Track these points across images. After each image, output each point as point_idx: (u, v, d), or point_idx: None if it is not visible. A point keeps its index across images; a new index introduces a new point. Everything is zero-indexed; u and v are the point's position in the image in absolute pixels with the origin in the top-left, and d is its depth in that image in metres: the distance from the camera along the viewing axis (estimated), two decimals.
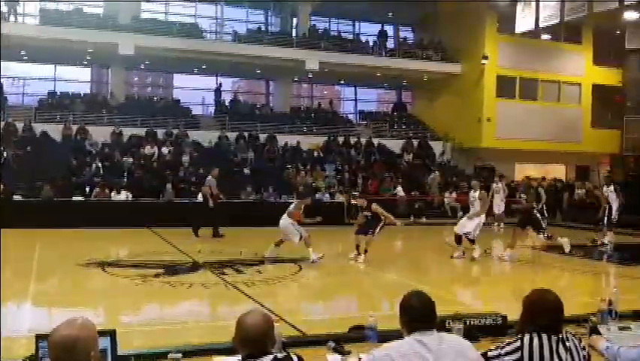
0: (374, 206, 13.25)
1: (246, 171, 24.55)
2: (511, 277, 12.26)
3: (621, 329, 4.46)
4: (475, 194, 13.69)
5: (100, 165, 22.40)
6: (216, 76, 31.54)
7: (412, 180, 26.55)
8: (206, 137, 26.66)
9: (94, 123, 25.36)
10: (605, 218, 17.51)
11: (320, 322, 7.88)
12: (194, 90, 33.03)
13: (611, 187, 18.35)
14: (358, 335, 4.28)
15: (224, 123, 27.79)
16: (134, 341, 6.50)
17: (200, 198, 18.53)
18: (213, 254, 13.16)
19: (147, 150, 24.29)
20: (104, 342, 3.20)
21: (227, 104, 30.71)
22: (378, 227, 13.10)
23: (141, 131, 25.72)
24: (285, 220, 12.79)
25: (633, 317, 4.89)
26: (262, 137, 27.53)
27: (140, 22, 27.59)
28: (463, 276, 12.41)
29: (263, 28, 31.86)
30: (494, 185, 21.73)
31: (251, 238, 16.35)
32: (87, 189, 20.74)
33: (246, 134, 27.30)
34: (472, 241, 13.41)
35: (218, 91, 30.80)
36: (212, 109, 31.77)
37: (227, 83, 35.28)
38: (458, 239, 13.60)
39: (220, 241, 16.39)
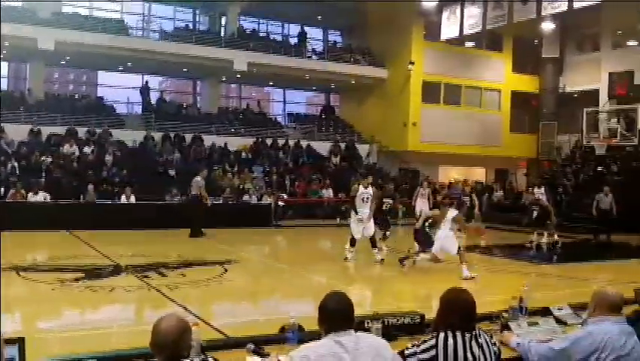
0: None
1: (172, 172, 24.17)
2: (435, 277, 12.47)
3: (530, 324, 4.64)
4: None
5: (16, 164, 21.50)
6: (142, 74, 30.93)
7: (339, 182, 26.73)
8: (131, 136, 26.01)
9: (10, 121, 24.27)
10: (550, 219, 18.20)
11: (245, 324, 7.82)
12: (119, 88, 32.27)
13: (542, 189, 19.09)
14: (279, 336, 4.28)
15: (150, 123, 27.28)
16: (52, 348, 6.34)
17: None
18: (136, 257, 12.84)
19: (67, 149, 23.47)
20: (11, 351, 3.10)
21: (153, 103, 30.11)
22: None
23: (61, 130, 24.81)
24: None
25: (542, 312, 5.08)
26: (189, 137, 27.15)
27: (61, 17, 26.72)
28: (387, 276, 12.55)
29: (191, 27, 31.52)
30: (420, 189, 22.17)
31: (175, 240, 16.15)
32: (2, 190, 19.74)
33: (172, 134, 26.88)
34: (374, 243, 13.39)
35: (144, 90, 30.15)
36: (137, 108, 31.11)
37: (153, 81, 34.69)
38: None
39: (200, 240, 16.63)
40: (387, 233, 14.94)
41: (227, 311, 9.21)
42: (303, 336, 4.01)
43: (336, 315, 3.20)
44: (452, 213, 11.92)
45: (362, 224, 13.10)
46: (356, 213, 13.10)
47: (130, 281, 10.36)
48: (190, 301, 8.80)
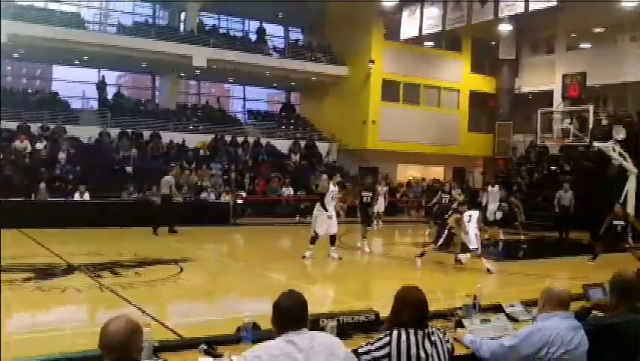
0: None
1: (128, 169, 23.85)
2: (392, 275, 12.56)
3: (483, 321, 4.70)
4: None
5: None
6: (99, 69, 30.40)
7: (298, 180, 26.73)
8: (86, 132, 25.41)
9: None
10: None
11: (201, 324, 7.77)
12: (74, 83, 31.68)
13: (496, 187, 19.38)
14: (234, 336, 4.26)
15: (106, 119, 26.88)
16: None
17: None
18: (90, 256, 12.61)
19: (18, 144, 22.78)
20: None
21: (110, 98, 29.68)
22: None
23: (13, 126, 24.04)
24: None
25: (495, 309, 5.16)
26: (146, 134, 26.82)
27: (14, 9, 26.05)
28: (345, 274, 12.61)
29: (150, 22, 31.14)
30: (379, 187, 22.42)
31: (131, 238, 15.95)
32: None
33: (129, 130, 26.51)
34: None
35: (100, 85, 29.64)
36: (93, 103, 30.62)
37: (110, 76, 34.17)
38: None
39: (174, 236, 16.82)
40: (369, 228, 15.04)
41: (183, 311, 9.10)
42: (258, 335, 3.99)
43: (290, 314, 3.20)
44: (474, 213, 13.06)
45: (329, 221, 13.19)
46: (326, 210, 13.15)
47: (82, 281, 10.14)
48: (144, 301, 8.69)
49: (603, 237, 14.14)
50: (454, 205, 14.51)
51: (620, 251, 13.82)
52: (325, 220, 13.18)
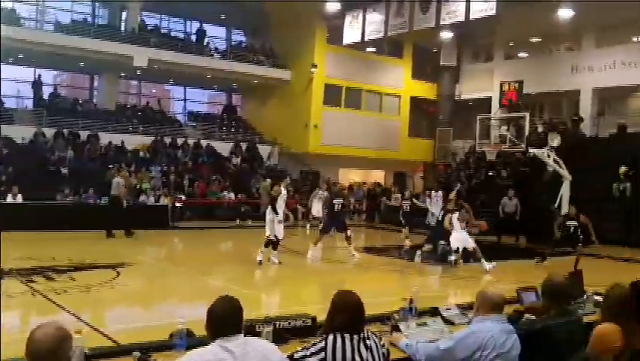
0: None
1: (64, 170, 23.30)
2: (333, 278, 12.59)
3: (419, 325, 4.75)
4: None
5: None
6: (35, 68, 29.56)
7: (239, 183, 26.59)
8: (21, 132, 24.65)
9: None
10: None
11: (137, 330, 7.62)
12: (8, 82, 30.65)
13: (439, 192, 19.66)
14: (169, 343, 4.19)
15: (42, 118, 26.17)
16: None
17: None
18: (22, 260, 12.16)
19: None
20: None
21: (45, 98, 28.89)
22: None
23: None
24: None
25: (431, 313, 5.22)
26: (83, 134, 26.25)
27: None
28: (285, 278, 12.58)
29: (89, 20, 30.48)
30: (319, 191, 22.51)
31: (66, 242, 15.54)
32: None
33: (65, 131, 25.89)
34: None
35: (36, 84, 28.83)
36: (28, 103, 29.74)
37: (47, 75, 33.22)
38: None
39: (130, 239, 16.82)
40: (350, 233, 15.08)
41: (119, 317, 8.93)
42: (192, 342, 3.94)
43: (224, 320, 3.17)
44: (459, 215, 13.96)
45: (280, 225, 13.18)
46: (277, 214, 13.11)
47: (14, 286, 9.76)
48: (79, 307, 8.47)
49: (556, 238, 14.30)
50: (448, 207, 15.01)
51: (570, 253, 14.06)
52: (276, 224, 13.14)
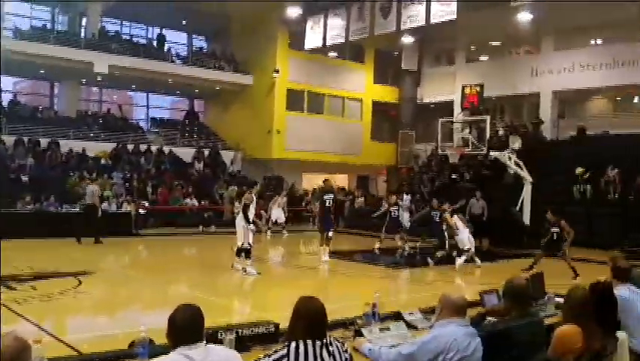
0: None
1: (25, 178, 22.90)
2: (298, 284, 12.59)
3: (382, 330, 4.77)
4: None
5: None
6: None
7: (202, 189, 26.43)
8: None
9: None
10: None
11: (100, 339, 7.51)
12: None
13: (409, 196, 19.80)
14: (131, 351, 4.16)
15: (1, 126, 25.65)
16: None
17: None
18: None
19: None
20: None
21: (5, 105, 28.34)
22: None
23: None
24: None
25: (394, 317, 5.24)
26: (44, 142, 25.82)
27: None
28: (250, 285, 12.53)
29: (49, 26, 30.04)
30: (278, 197, 22.76)
31: (27, 251, 15.27)
32: None
33: (25, 138, 25.44)
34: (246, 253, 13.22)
35: None
36: None
37: (6, 82, 32.53)
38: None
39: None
40: (330, 234, 15.15)
41: (81, 326, 8.82)
42: (155, 350, 3.91)
43: (185, 328, 3.16)
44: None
45: (251, 233, 13.03)
46: (249, 222, 13.00)
47: None
48: (41, 317, 8.38)
49: (544, 245, 14.30)
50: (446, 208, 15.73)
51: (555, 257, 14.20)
52: (248, 231, 12.97)
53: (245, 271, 12.79)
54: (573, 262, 13.71)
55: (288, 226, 23.26)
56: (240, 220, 13.09)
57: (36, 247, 15.86)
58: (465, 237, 14.56)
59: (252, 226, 13.05)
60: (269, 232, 21.86)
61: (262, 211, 24.59)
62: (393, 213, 17.75)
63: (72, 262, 13.51)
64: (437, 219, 15.69)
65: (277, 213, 22.65)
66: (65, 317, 9.27)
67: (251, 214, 13.10)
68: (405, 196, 20.80)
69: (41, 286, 10.68)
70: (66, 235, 17.41)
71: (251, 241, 13.03)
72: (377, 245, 17.57)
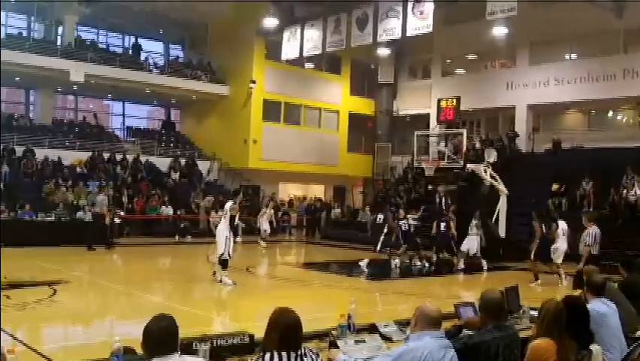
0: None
1: None
2: (275, 294, 12.60)
3: (357, 342, 4.78)
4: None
5: None
6: None
7: (178, 198, 26.32)
8: None
9: None
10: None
11: (74, 349, 7.51)
12: None
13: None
14: None
15: None
16: None
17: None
18: None
19: None
20: None
21: None
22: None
23: None
24: None
25: (369, 329, 5.26)
26: (19, 150, 25.58)
27: None
28: (228, 296, 12.49)
29: (24, 34, 29.80)
30: (265, 210, 22.93)
31: (2, 260, 15.05)
32: None
33: (0, 146, 25.19)
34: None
35: None
36: None
37: None
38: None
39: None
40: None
41: (56, 335, 8.77)
42: (131, 360, 3.91)
43: (159, 339, 3.19)
44: None
45: (231, 244, 12.92)
46: (235, 234, 12.91)
47: None
48: (15, 326, 8.29)
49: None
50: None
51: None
52: (229, 242, 12.87)
53: (220, 282, 12.75)
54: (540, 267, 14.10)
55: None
56: (224, 230, 12.97)
57: (10, 256, 15.64)
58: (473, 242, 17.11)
59: (238, 238, 12.95)
60: (263, 243, 21.95)
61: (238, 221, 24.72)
62: (404, 227, 17.77)
63: (47, 271, 13.40)
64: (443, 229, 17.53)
65: (265, 225, 22.80)
66: (40, 326, 9.18)
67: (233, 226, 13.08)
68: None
69: (15, 295, 10.56)
70: (41, 243, 17.24)
71: (231, 252, 12.94)
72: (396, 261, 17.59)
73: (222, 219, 13.26)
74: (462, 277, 16.22)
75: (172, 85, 30.20)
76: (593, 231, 12.38)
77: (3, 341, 7.16)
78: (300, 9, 27.29)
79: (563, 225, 14.86)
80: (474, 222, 17.32)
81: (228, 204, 13.33)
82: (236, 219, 13.11)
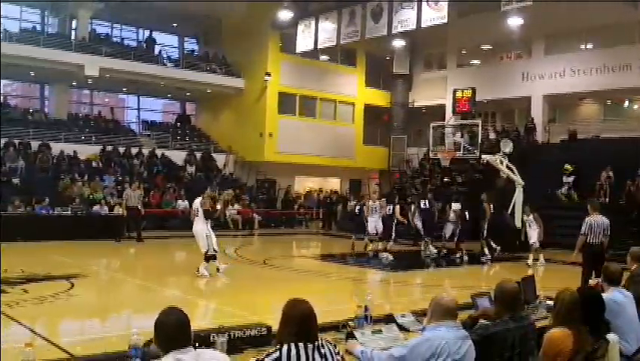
0: None
1: (15, 181, 22.82)
2: (289, 287, 12.59)
3: (374, 332, 4.76)
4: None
5: None
6: None
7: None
8: None
9: None
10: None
11: (93, 342, 7.53)
12: None
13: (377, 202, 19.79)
14: (123, 354, 4.14)
15: None
16: None
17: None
18: None
19: None
20: None
21: None
22: None
23: None
24: None
25: (386, 320, 5.25)
26: (35, 144, 25.75)
27: None
28: (241, 288, 12.50)
29: (39, 29, 29.95)
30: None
31: (18, 254, 15.20)
32: None
33: (16, 141, 25.35)
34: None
35: None
36: None
37: None
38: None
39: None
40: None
41: (74, 329, 8.81)
42: (148, 354, 3.90)
43: (174, 332, 3.17)
44: None
45: (214, 237, 12.97)
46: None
47: None
48: (33, 320, 8.36)
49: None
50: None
51: None
52: (209, 239, 12.88)
53: (198, 271, 12.69)
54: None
55: (282, 228, 23.26)
56: (202, 230, 12.89)
57: (28, 251, 15.81)
58: None
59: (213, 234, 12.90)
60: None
61: (254, 214, 24.73)
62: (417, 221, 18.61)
63: (64, 265, 13.48)
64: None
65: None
66: (58, 319, 9.23)
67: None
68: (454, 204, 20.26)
69: (33, 289, 10.65)
70: (58, 237, 17.33)
71: (215, 247, 12.91)
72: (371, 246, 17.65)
73: (196, 217, 13.05)
74: (475, 268, 16.10)
75: (187, 78, 30.22)
76: (590, 220, 12.25)
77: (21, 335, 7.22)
78: (315, 2, 27.21)
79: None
80: (454, 206, 17.95)
81: (197, 201, 13.21)
82: (228, 211, 13.08)
